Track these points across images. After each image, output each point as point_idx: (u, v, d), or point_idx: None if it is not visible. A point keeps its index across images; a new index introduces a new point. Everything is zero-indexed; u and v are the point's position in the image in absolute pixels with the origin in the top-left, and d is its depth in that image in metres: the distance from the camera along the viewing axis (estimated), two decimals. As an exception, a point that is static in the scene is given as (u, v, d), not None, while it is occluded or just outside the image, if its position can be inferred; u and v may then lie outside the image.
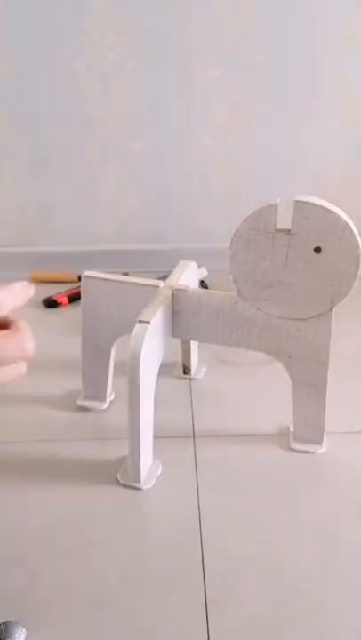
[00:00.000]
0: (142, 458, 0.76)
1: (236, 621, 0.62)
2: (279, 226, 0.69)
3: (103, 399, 0.93)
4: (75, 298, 1.26)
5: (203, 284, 1.27)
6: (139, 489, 0.77)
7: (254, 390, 0.97)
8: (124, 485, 0.78)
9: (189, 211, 1.41)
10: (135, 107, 1.29)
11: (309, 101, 1.29)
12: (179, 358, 1.01)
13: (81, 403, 0.94)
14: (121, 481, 0.79)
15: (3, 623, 0.59)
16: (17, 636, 0.58)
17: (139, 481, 0.78)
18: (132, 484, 0.78)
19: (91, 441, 0.87)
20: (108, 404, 0.93)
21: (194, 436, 0.87)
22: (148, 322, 0.71)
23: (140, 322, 0.72)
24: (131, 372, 0.70)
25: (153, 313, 0.73)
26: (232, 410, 0.93)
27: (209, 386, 0.99)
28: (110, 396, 0.94)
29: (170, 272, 0.85)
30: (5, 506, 0.76)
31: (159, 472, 0.80)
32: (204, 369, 1.03)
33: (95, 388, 0.92)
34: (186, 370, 1.01)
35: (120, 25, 1.21)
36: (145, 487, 0.78)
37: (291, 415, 0.84)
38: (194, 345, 0.99)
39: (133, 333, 0.71)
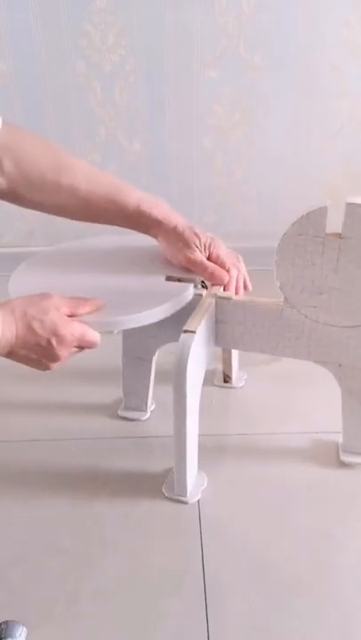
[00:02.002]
0: (188, 470, 0.74)
1: (236, 621, 0.62)
2: (329, 230, 0.66)
3: (144, 410, 0.92)
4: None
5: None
6: (185, 502, 0.76)
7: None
8: (170, 499, 0.76)
9: (189, 211, 1.41)
10: (135, 107, 1.29)
11: (309, 101, 1.29)
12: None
13: (122, 413, 0.93)
14: (166, 494, 0.77)
15: (3, 622, 0.59)
16: (17, 634, 0.58)
17: (185, 494, 0.76)
18: (177, 498, 0.76)
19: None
20: (149, 414, 0.92)
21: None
22: (194, 331, 0.69)
23: (186, 331, 0.69)
24: (177, 382, 0.68)
25: (198, 322, 0.71)
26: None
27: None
28: (151, 407, 0.93)
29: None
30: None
31: (205, 485, 0.78)
32: (244, 377, 1.01)
33: (136, 398, 0.92)
34: (227, 378, 0.99)
35: (120, 25, 1.21)
36: (191, 501, 0.76)
37: (340, 425, 0.81)
38: (235, 353, 0.97)
39: (180, 343, 0.69)
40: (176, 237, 0.75)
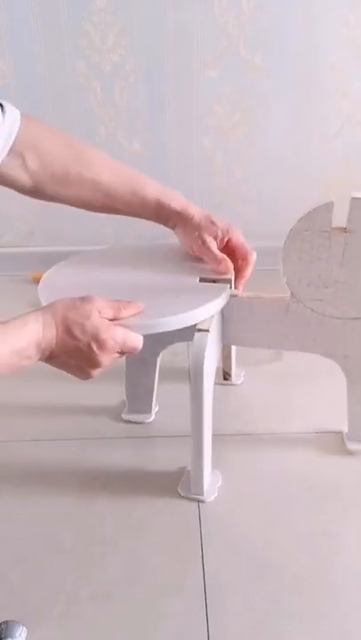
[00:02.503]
0: (205, 469, 0.74)
1: (236, 621, 0.62)
2: (335, 224, 0.68)
3: (149, 412, 0.91)
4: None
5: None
6: (202, 501, 0.76)
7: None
8: (187, 498, 0.76)
9: (189, 211, 1.41)
10: (135, 107, 1.29)
11: (309, 101, 1.29)
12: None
13: (126, 417, 0.92)
14: (182, 494, 0.77)
15: (3, 622, 0.59)
16: (17, 634, 0.58)
17: (202, 493, 0.76)
18: (194, 497, 0.76)
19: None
20: (153, 416, 0.92)
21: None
22: (208, 330, 0.69)
23: (200, 330, 0.69)
24: (195, 382, 0.68)
25: (210, 321, 0.70)
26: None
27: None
28: (155, 408, 0.92)
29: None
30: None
31: (220, 483, 0.78)
32: (242, 374, 1.01)
33: (140, 401, 0.91)
34: (226, 375, 1.00)
35: (120, 25, 1.21)
36: (208, 500, 0.76)
37: (340, 418, 0.83)
38: (233, 350, 0.97)
39: (195, 342, 0.68)
40: (192, 227, 0.77)
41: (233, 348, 0.97)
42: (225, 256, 0.76)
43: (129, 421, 0.91)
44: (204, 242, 0.76)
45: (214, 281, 0.75)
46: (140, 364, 0.87)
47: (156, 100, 1.28)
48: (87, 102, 1.28)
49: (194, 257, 0.79)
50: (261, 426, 0.89)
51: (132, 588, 0.65)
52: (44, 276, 0.78)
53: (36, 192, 0.73)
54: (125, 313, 0.65)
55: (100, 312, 0.62)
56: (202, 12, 1.19)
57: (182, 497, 0.76)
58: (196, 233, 0.76)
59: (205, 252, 0.76)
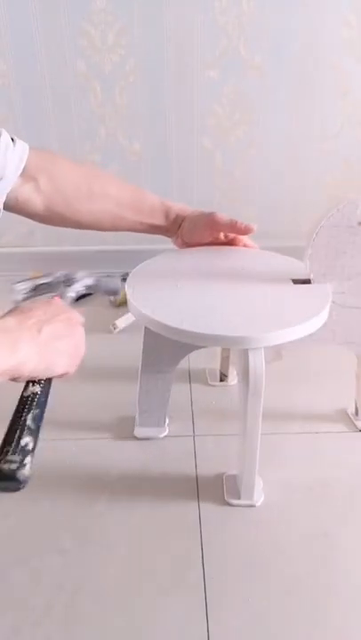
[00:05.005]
0: (256, 474, 0.74)
1: (236, 621, 0.62)
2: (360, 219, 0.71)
3: (162, 425, 0.88)
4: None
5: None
6: (253, 505, 0.75)
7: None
8: (237, 505, 0.75)
9: (189, 211, 1.41)
10: (135, 107, 1.29)
11: (309, 101, 1.29)
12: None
13: (140, 433, 0.88)
14: (233, 503, 0.75)
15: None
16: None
17: (252, 498, 0.75)
18: (246, 503, 0.75)
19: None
20: (167, 430, 0.88)
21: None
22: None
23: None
24: (255, 391, 0.66)
25: None
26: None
27: None
28: (167, 421, 0.89)
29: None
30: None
31: (262, 485, 0.77)
32: (235, 373, 1.00)
33: (154, 415, 0.88)
34: (223, 377, 0.99)
35: (120, 25, 1.21)
36: (258, 504, 0.75)
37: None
38: (232, 351, 0.97)
39: (251, 358, 0.66)
40: (200, 215, 0.81)
41: (233, 350, 0.97)
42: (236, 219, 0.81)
43: (143, 438, 0.87)
44: (217, 218, 0.80)
45: (304, 282, 0.75)
46: (156, 376, 0.84)
47: (156, 99, 1.28)
48: (87, 102, 1.28)
49: (210, 245, 0.84)
50: (263, 425, 0.89)
51: (132, 588, 0.65)
52: (134, 270, 0.78)
53: (48, 216, 0.77)
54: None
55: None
56: (202, 12, 1.19)
57: (234, 505, 0.75)
58: (205, 218, 0.81)
59: (226, 224, 0.80)
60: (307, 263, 0.73)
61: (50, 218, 0.77)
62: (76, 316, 0.62)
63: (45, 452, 0.85)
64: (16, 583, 0.66)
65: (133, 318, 0.75)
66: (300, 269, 0.75)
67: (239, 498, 0.76)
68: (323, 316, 0.67)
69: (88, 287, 1.22)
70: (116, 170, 1.36)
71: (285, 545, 0.70)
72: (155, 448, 0.86)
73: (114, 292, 0.86)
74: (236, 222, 0.80)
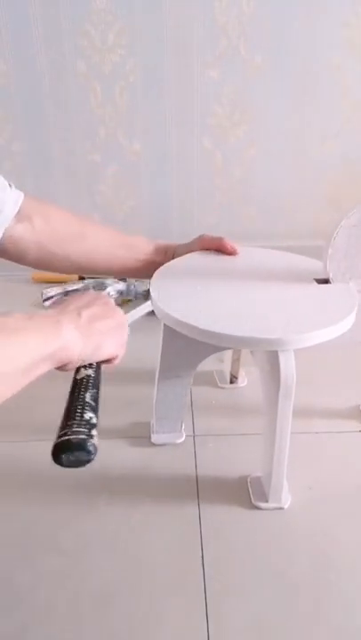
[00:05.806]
0: (284, 479, 0.73)
1: (236, 621, 0.62)
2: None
3: (179, 430, 0.87)
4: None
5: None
6: (281, 508, 0.75)
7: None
8: (266, 508, 0.75)
9: (190, 211, 1.41)
10: (135, 107, 1.29)
11: (309, 101, 1.29)
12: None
13: (157, 440, 0.87)
14: (262, 506, 0.75)
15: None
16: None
17: (280, 501, 0.75)
18: (275, 506, 0.75)
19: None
20: (184, 437, 0.87)
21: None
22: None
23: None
24: (285, 393, 0.66)
25: None
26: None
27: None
28: (184, 426, 0.88)
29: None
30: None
31: (286, 488, 0.77)
32: (243, 374, 1.00)
33: (171, 421, 0.87)
34: (233, 379, 0.99)
35: (120, 25, 1.21)
36: (286, 506, 0.75)
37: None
38: (243, 353, 0.97)
39: (283, 362, 0.65)
40: (190, 241, 0.85)
41: (242, 351, 0.96)
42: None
43: (160, 445, 0.86)
44: (207, 236, 0.84)
45: (325, 281, 0.74)
46: (174, 381, 0.82)
47: (156, 99, 1.28)
48: (87, 102, 1.29)
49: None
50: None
51: (132, 588, 0.65)
52: (159, 270, 0.77)
53: (41, 257, 0.77)
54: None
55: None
56: (202, 11, 1.19)
57: (262, 509, 0.75)
58: (197, 240, 0.84)
59: (215, 240, 0.83)
60: (326, 263, 0.73)
61: (43, 259, 0.78)
62: (112, 302, 0.63)
63: (45, 451, 0.86)
64: (16, 583, 0.66)
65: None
66: (318, 268, 0.75)
67: (267, 501, 0.75)
68: (352, 317, 0.66)
69: (119, 292, 1.22)
70: (115, 170, 1.36)
71: (286, 545, 0.70)
72: (155, 448, 0.86)
73: (145, 296, 0.87)
74: (223, 240, 0.83)
